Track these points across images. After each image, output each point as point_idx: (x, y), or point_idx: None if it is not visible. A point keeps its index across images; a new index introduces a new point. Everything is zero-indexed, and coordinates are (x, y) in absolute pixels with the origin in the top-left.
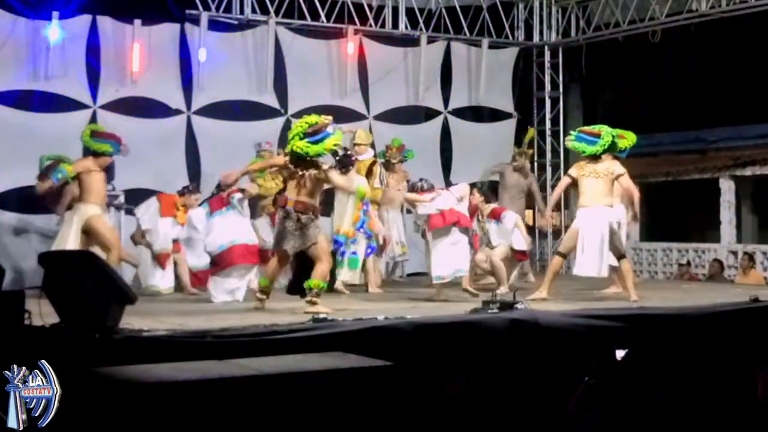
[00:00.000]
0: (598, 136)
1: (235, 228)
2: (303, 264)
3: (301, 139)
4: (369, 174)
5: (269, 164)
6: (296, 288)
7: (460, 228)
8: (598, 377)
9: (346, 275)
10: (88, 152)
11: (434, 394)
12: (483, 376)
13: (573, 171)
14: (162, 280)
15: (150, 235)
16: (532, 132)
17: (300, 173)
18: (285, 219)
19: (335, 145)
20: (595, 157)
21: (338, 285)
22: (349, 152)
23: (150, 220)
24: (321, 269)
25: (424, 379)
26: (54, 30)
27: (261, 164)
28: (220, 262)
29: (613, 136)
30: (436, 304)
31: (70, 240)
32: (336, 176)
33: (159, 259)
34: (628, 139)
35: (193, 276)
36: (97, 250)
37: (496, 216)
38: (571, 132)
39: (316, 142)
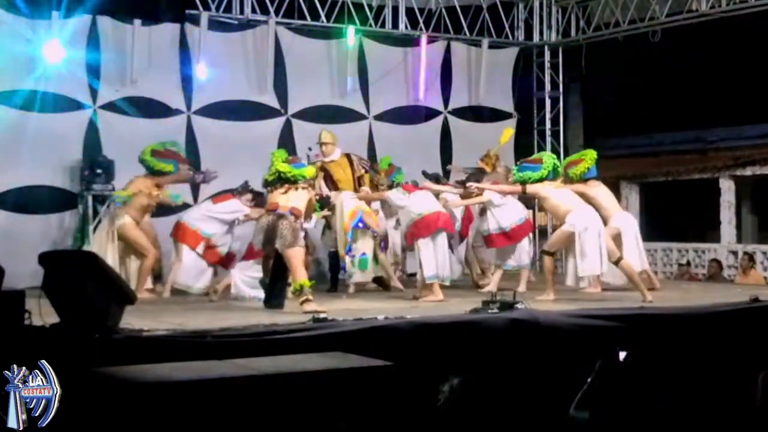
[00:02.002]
0: (540, 162)
1: None
2: (277, 274)
3: (283, 162)
4: (351, 168)
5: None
6: (272, 299)
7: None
8: (599, 377)
9: (358, 277)
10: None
11: (433, 394)
12: (483, 376)
13: (529, 188)
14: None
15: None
16: (509, 132)
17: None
18: (279, 219)
19: (314, 174)
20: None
21: (351, 288)
22: (324, 195)
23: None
24: (299, 274)
25: (424, 379)
26: (54, 49)
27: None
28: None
29: (554, 162)
30: (436, 303)
31: (108, 251)
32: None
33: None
34: (586, 159)
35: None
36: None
37: None
38: (514, 166)
39: (296, 167)
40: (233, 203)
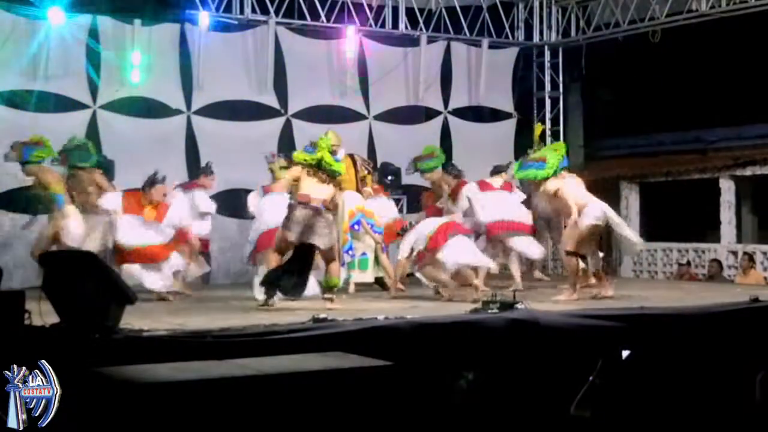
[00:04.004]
0: (543, 160)
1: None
2: (299, 265)
3: (329, 153)
4: (354, 168)
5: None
6: (293, 290)
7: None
8: (601, 377)
9: (358, 276)
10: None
11: (440, 391)
12: (483, 376)
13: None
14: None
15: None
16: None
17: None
18: (315, 215)
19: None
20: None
21: (351, 288)
22: None
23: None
24: (335, 267)
25: (424, 379)
26: (57, 14)
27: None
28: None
29: (560, 158)
30: (435, 303)
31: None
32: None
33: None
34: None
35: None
36: None
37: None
38: (514, 164)
39: (337, 161)
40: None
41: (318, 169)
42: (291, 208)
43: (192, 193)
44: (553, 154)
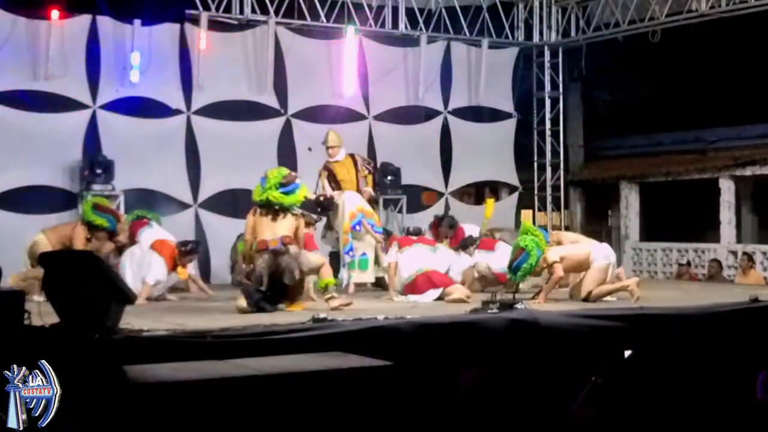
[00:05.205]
0: (523, 251)
1: None
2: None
3: (276, 189)
4: (355, 168)
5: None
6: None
7: None
8: (602, 377)
9: (358, 276)
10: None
11: (440, 391)
12: (483, 375)
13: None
14: None
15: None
16: (491, 205)
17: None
18: (277, 257)
19: (304, 197)
20: None
21: (351, 288)
22: (328, 195)
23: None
24: (325, 270)
25: (424, 379)
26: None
27: None
28: None
29: (536, 241)
30: (435, 303)
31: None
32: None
33: None
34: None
35: None
36: None
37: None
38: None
39: (288, 193)
40: None
41: (268, 207)
42: (253, 258)
43: None
44: (529, 241)
